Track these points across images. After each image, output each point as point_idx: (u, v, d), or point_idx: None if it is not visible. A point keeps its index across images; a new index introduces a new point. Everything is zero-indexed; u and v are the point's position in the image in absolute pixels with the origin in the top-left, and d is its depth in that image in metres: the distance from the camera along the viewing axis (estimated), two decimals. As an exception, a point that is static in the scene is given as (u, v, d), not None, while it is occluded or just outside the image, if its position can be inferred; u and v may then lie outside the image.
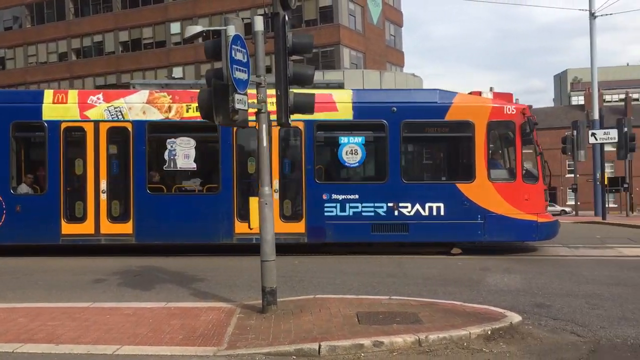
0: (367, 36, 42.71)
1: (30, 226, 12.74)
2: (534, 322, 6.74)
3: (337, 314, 6.93)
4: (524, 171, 13.10)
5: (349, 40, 40.37)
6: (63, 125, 12.90)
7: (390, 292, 8.35)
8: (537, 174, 13.19)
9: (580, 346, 5.85)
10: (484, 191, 12.82)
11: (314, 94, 8.63)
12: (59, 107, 12.85)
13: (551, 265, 11.33)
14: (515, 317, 6.61)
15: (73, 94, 13.24)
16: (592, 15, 22.41)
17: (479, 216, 12.76)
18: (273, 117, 11.55)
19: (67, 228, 12.83)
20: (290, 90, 7.87)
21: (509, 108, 13.06)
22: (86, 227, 12.83)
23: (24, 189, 13.16)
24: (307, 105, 8.16)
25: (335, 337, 5.97)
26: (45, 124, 12.90)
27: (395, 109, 12.97)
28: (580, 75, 70.25)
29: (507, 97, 13.56)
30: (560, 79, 78.29)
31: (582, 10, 23.26)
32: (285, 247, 11.78)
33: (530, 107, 13.93)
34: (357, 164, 13.01)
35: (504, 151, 13.60)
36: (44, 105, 12.96)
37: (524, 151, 12.92)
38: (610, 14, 26.82)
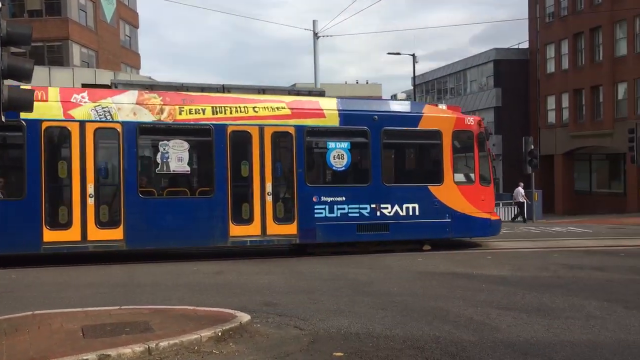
0: (100, 34, 40.44)
1: (7, 234, 11.58)
2: (262, 320, 7.06)
3: (59, 330, 6.38)
4: (480, 175, 14.45)
5: (79, 36, 37.72)
6: (44, 125, 11.83)
7: (121, 301, 8.01)
8: (489, 177, 14.66)
9: (302, 338, 6.31)
10: (450, 193, 14.02)
11: (33, 91, 7.87)
12: (39, 105, 10.46)
13: (276, 266, 12.06)
14: (245, 317, 6.85)
15: (54, 91, 12.18)
16: (316, 36, 24.54)
17: (447, 215, 13.95)
18: (272, 122, 12.91)
19: (50, 235, 11.81)
20: (5, 84, 7.07)
21: (468, 119, 14.63)
22: (71, 234, 11.92)
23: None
24: (24, 102, 7.41)
25: (57, 355, 5.50)
26: (24, 123, 11.55)
27: (376, 117, 13.79)
28: (307, 90, 76.09)
29: (457, 109, 15.20)
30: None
31: (308, 30, 25.36)
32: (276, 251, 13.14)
33: (483, 119, 15.58)
34: (343, 168, 13.61)
35: (465, 157, 14.64)
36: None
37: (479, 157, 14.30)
38: (331, 36, 29.78)
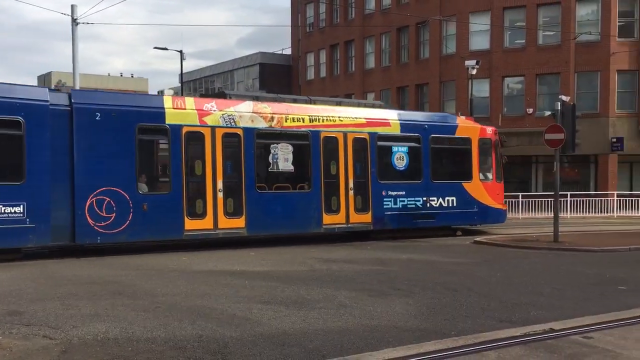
0: None
1: (156, 223, 13.16)
2: (5, 331, 6.36)
3: None
4: (496, 174, 18.13)
5: None
6: (184, 130, 13.51)
7: None
8: (501, 176, 18.47)
9: (52, 348, 5.80)
10: (477, 188, 17.54)
11: None
12: (179, 112, 13.46)
13: (28, 268, 10.97)
14: (-17, 331, 6.09)
15: (190, 101, 14.06)
16: (75, 22, 22.81)
17: (475, 206, 17.50)
18: (353, 129, 15.71)
19: (190, 224, 13.49)
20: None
21: (488, 129, 18.27)
22: (206, 223, 13.67)
23: (146, 188, 13.30)
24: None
25: None
26: (169, 128, 13.40)
27: (426, 126, 16.96)
28: (64, 79, 70.38)
29: (471, 119, 18.73)
30: (44, 80, 76.76)
31: (65, 14, 23.40)
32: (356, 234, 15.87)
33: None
34: (403, 168, 16.56)
35: (486, 159, 18.02)
36: (166, 110, 13.43)
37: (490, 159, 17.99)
38: (93, 24, 27.95)
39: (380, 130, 16.19)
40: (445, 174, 17.48)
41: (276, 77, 48.26)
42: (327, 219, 15.29)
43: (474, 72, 27.52)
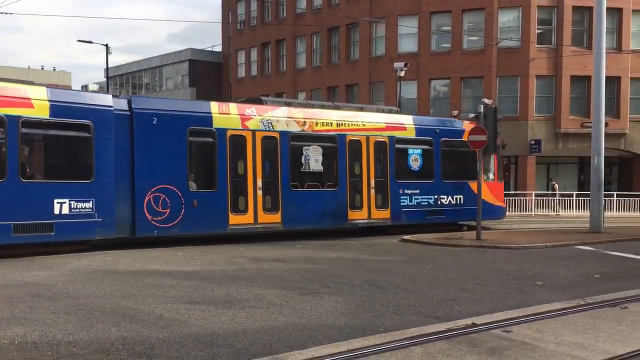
0: None
1: (205, 218, 14.38)
2: None
3: None
4: (497, 174, 19.77)
5: None
6: (229, 133, 14.80)
7: None
8: (502, 176, 19.98)
9: (-37, 355, 5.52)
10: (482, 187, 17.42)
11: None
12: (224, 117, 14.82)
13: None
14: None
15: (234, 107, 15.29)
16: (-8, 11, 21.67)
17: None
18: (374, 133, 17.08)
19: (233, 219, 14.81)
20: None
21: None
22: (247, 218, 15.01)
23: (195, 186, 14.44)
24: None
25: None
26: (215, 131, 14.64)
27: (438, 130, 18.41)
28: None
29: (476, 123, 18.73)
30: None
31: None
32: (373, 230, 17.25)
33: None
34: (418, 168, 17.96)
35: (489, 161, 19.43)
36: (213, 115, 14.68)
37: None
38: (11, 13, 26.55)
39: (398, 134, 17.67)
40: (453, 174, 18.88)
41: (206, 74, 47.63)
42: (352, 215, 16.81)
43: (402, 74, 28.16)
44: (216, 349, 5.85)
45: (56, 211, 12.54)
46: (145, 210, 13.71)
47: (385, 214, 17.30)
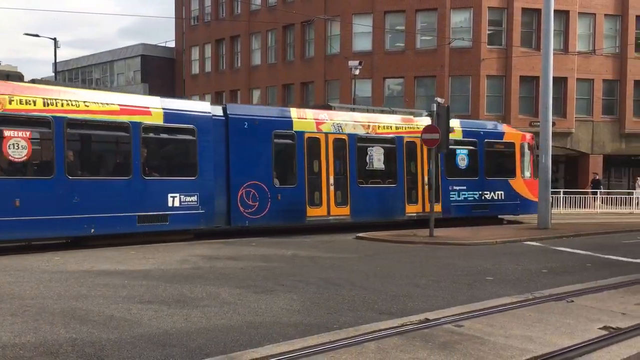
0: None
1: (287, 211, 16.25)
2: None
3: None
4: (533, 172, 21.15)
5: None
6: (306, 135, 16.73)
7: None
8: (536, 174, 20.33)
9: None
10: (519, 184, 20.81)
11: None
12: (302, 121, 16.75)
13: None
14: None
15: (310, 112, 17.34)
16: None
17: (517, 199, 20.89)
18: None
19: (310, 212, 16.73)
20: None
21: (526, 135, 21.82)
22: (322, 211, 16.91)
23: (279, 182, 16.27)
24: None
25: None
26: (295, 134, 16.54)
27: (482, 132, 20.42)
28: None
29: (510, 127, 22.60)
30: None
31: None
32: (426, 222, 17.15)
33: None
34: (464, 167, 19.78)
35: (525, 160, 21.25)
36: (293, 119, 16.62)
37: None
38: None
39: (450, 136, 19.06)
40: (495, 172, 20.75)
41: (159, 70, 46.87)
42: (409, 209, 18.68)
43: (357, 72, 28.34)
44: (169, 349, 5.77)
45: (170, 204, 14.45)
46: (238, 203, 15.59)
47: (437, 207, 18.74)
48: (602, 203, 30.30)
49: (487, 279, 10.13)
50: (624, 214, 28.71)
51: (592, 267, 11.77)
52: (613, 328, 6.76)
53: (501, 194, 20.63)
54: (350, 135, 17.51)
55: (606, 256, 13.27)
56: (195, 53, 44.69)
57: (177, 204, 14.50)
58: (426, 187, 18.71)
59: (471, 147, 20.07)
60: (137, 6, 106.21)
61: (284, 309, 7.57)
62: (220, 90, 41.92)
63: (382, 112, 19.58)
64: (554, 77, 19.61)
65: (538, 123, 20.81)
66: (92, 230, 13.38)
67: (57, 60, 39.95)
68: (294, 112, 16.99)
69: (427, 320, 6.89)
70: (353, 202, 17.42)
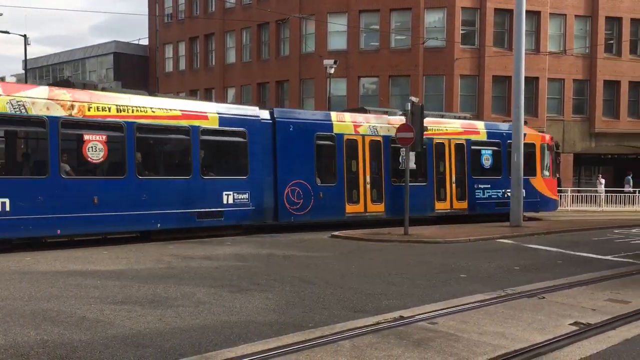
0: None
1: (328, 207, 17.45)
2: None
3: None
4: (552, 171, 22.55)
5: None
6: (345, 137, 17.94)
7: None
8: (556, 173, 22.24)
9: None
10: (539, 182, 21.99)
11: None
12: (341, 124, 18.01)
13: None
14: None
15: (348, 116, 18.54)
16: None
17: (538, 197, 22.01)
18: (454, 137, 20.38)
19: (349, 208, 17.88)
20: None
21: (547, 136, 23.11)
22: (359, 208, 18.08)
23: (320, 181, 17.50)
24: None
25: None
26: (335, 136, 17.79)
27: (504, 134, 21.09)
28: None
29: (531, 129, 22.94)
30: None
31: None
32: (453, 218, 20.21)
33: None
34: (489, 166, 20.93)
35: (544, 160, 22.42)
36: (333, 122, 17.87)
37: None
38: None
39: (473, 137, 20.76)
40: None
41: (132, 68, 46.33)
42: (438, 205, 19.84)
43: (332, 71, 28.35)
44: (142, 349, 5.71)
45: (224, 201, 15.65)
46: (285, 200, 16.77)
47: (463, 205, 20.46)
48: (572, 201, 30.84)
49: (461, 276, 10.24)
50: (596, 212, 29.23)
51: (563, 264, 11.97)
52: (583, 324, 6.89)
53: (522, 192, 21.04)
54: (384, 137, 18.68)
55: (577, 253, 13.51)
56: (169, 51, 44.25)
57: (230, 201, 15.77)
58: (454, 185, 20.17)
59: (495, 148, 21.23)
60: (109, 3, 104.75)
61: (259, 308, 7.55)
62: (194, 89, 41.57)
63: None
64: (525, 77, 19.89)
65: (510, 122, 21.06)
66: (158, 225, 14.64)
67: (27, 58, 39.21)
68: (334, 116, 18.32)
69: (401, 317, 6.93)
70: (387, 199, 18.70)
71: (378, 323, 6.67)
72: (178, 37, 43.30)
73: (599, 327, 6.79)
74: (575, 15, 34.81)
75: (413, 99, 17.99)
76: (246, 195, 16.01)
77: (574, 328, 6.71)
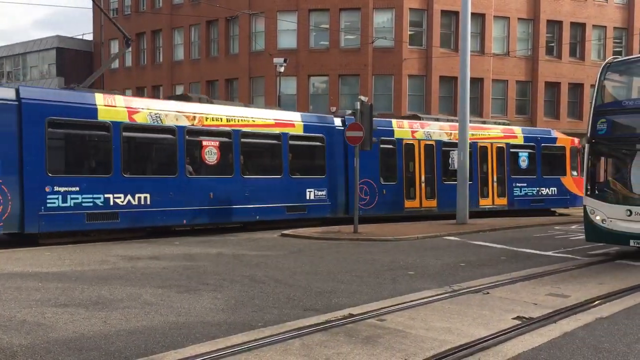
0: None
1: (390, 203, 19.94)
2: None
3: None
4: (580, 171, 23.15)
5: None
6: (404, 142, 20.40)
7: None
8: (582, 172, 24.17)
9: None
10: (568, 181, 24.06)
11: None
12: (400, 130, 20.47)
13: None
14: None
15: (405, 122, 21.05)
16: None
17: (567, 194, 24.17)
18: (495, 140, 23.00)
19: (407, 204, 20.47)
20: None
21: (575, 140, 24.81)
22: (415, 203, 20.65)
23: (383, 180, 19.89)
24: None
25: None
26: (396, 140, 20.26)
27: (539, 138, 23.97)
28: None
29: (560, 133, 25.64)
30: None
31: None
32: (494, 213, 22.59)
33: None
34: (525, 167, 23.37)
35: (574, 161, 24.34)
36: (394, 129, 20.28)
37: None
38: None
39: (512, 141, 23.21)
40: (549, 171, 24.09)
41: (76, 63, 45.00)
42: (481, 202, 22.25)
43: (282, 69, 28.30)
44: (86, 353, 5.56)
45: (307, 197, 18.20)
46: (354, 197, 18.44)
47: (503, 201, 22.85)
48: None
49: (409, 273, 10.39)
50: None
51: (507, 259, 12.31)
52: (526, 318, 7.10)
53: (554, 190, 24.06)
54: (437, 141, 21.21)
55: (519, 249, 13.92)
56: (114, 47, 43.20)
57: (312, 197, 18.34)
58: (495, 183, 22.62)
59: (530, 150, 23.63)
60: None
61: (208, 308, 7.46)
62: (141, 86, 40.76)
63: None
64: (471, 78, 20.35)
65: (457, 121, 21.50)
66: (257, 217, 17.20)
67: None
68: (394, 123, 20.67)
69: (350, 315, 6.98)
70: (439, 196, 21.12)
71: (327, 321, 6.69)
72: (124, 33, 42.28)
73: (540, 320, 7.01)
74: (518, 18, 35.84)
75: (362, 98, 18.11)
76: (324, 192, 18.62)
77: (517, 322, 6.91)
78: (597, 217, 12.34)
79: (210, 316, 7.06)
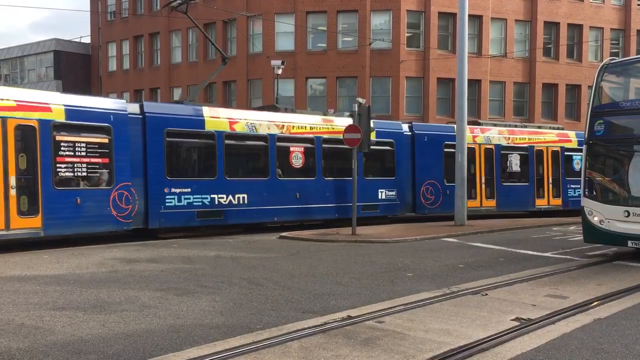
0: None
1: (453, 202, 19.78)
2: None
3: None
4: None
5: None
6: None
7: None
8: None
9: None
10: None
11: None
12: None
13: None
14: None
15: (467, 128, 20.39)
16: None
17: None
18: (551, 144, 24.19)
19: (468, 204, 20.30)
20: None
21: None
22: (476, 203, 21.79)
23: (446, 181, 20.99)
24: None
25: None
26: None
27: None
28: None
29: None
30: None
31: None
32: (550, 213, 23.76)
33: None
34: (579, 169, 20.61)
35: None
36: (456, 134, 20.07)
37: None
38: None
39: (566, 145, 24.29)
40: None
41: (73, 66, 44.96)
42: (538, 202, 23.45)
43: (280, 72, 28.30)
44: (85, 356, 5.55)
45: (379, 197, 19.80)
46: (421, 197, 20.82)
47: (558, 202, 23.99)
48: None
49: (407, 275, 10.39)
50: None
51: (505, 261, 12.32)
52: (524, 319, 7.10)
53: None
54: (496, 146, 22.52)
55: (517, 250, 13.93)
56: (112, 49, 43.19)
57: (383, 197, 19.90)
58: (550, 185, 23.77)
59: (579, 153, 24.99)
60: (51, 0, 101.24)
61: (206, 310, 7.45)
62: (139, 88, 40.73)
63: (516, 126, 24.76)
64: (468, 79, 20.41)
65: (454, 123, 21.52)
66: (336, 215, 18.72)
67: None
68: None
69: (349, 317, 6.98)
70: (498, 196, 22.45)
71: (326, 323, 6.69)
72: (122, 36, 42.32)
73: (538, 322, 7.01)
74: (516, 20, 35.88)
75: (360, 100, 18.12)
76: (394, 192, 20.17)
77: (516, 324, 6.91)
78: (595, 218, 12.36)
79: (209, 319, 7.05)
